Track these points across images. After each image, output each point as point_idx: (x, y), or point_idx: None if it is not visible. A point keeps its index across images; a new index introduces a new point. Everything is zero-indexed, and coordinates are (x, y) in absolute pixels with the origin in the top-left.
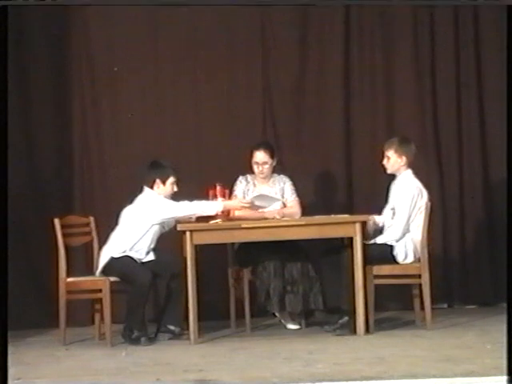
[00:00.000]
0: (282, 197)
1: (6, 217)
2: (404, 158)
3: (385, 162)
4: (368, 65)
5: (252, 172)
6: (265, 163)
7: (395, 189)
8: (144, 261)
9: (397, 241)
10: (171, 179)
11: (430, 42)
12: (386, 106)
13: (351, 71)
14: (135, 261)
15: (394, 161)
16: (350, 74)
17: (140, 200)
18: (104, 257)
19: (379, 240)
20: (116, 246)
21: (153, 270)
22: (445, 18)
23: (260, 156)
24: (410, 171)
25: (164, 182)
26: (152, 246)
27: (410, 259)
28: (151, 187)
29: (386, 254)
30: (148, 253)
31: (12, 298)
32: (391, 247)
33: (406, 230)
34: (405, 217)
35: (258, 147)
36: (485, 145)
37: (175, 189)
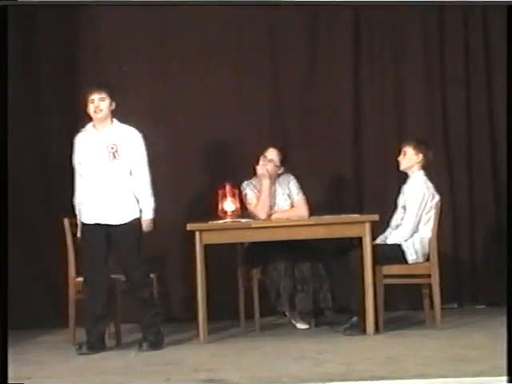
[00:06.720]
0: (289, 196)
1: (7, 216)
2: (420, 156)
3: (400, 157)
4: (377, 65)
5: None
6: (271, 160)
7: (407, 189)
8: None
9: (405, 240)
10: None
11: (439, 44)
12: (395, 106)
13: (360, 72)
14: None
15: (409, 156)
16: (359, 74)
17: None
18: None
19: (389, 240)
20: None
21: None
22: (454, 20)
23: (270, 151)
24: (422, 172)
25: None
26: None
27: (420, 258)
28: None
29: (396, 254)
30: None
31: (21, 297)
32: (400, 247)
33: (415, 230)
34: (414, 216)
35: (272, 145)
36: (494, 146)
37: None
